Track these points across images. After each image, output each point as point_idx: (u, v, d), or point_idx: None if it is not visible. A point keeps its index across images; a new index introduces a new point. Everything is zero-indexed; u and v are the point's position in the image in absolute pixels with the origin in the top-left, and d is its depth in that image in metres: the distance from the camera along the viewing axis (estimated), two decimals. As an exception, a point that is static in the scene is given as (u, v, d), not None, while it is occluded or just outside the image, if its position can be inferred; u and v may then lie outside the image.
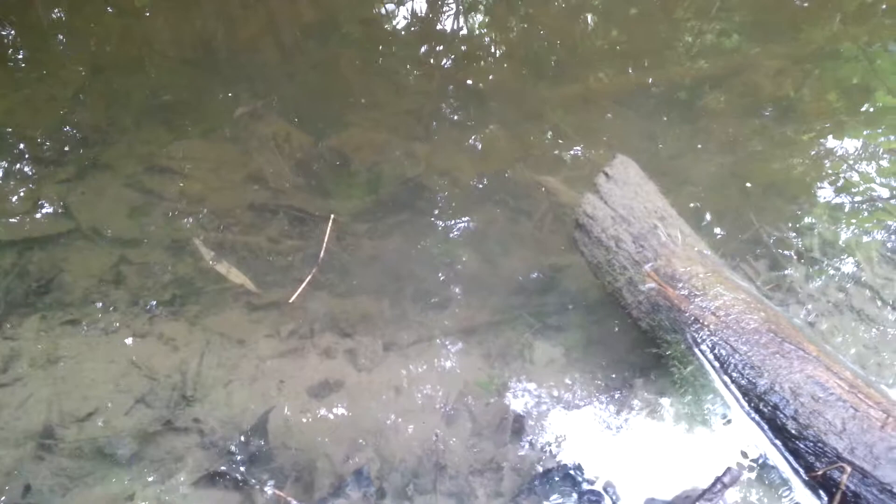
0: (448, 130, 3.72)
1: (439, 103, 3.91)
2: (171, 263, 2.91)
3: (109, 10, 4.41)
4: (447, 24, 4.54)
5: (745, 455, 2.11)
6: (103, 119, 3.53)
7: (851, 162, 3.41)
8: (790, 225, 3.01)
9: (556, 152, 3.59)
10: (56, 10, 4.36)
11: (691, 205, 3.12)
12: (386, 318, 2.78)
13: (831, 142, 3.58)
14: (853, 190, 3.25)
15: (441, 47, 4.33)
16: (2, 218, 2.98)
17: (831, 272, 2.74)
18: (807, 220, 3.03)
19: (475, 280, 2.92)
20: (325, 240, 3.01)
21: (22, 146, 3.36)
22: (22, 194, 3.09)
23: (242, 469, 2.22)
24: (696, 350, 2.13)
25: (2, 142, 3.36)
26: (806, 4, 4.45)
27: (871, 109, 3.79)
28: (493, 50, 4.42)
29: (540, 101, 3.87)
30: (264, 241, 3.08)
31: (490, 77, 4.08)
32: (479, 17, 4.72)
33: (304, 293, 2.85)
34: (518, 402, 2.41)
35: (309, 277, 2.87)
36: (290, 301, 2.78)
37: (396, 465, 2.25)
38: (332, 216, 3.11)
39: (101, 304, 2.71)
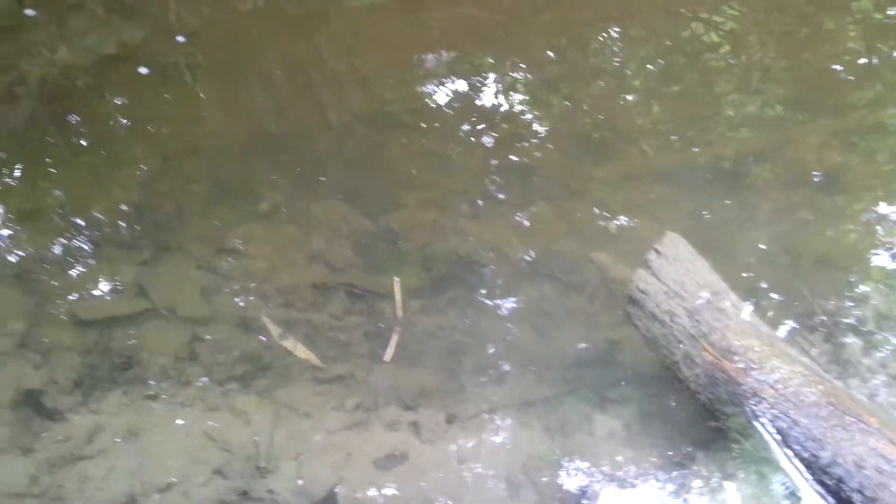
0: (495, 208, 3.86)
1: (486, 182, 4.07)
2: (241, 340, 3.07)
3: (167, 97, 4.70)
4: (491, 103, 4.74)
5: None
6: (172, 204, 3.76)
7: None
8: (844, 296, 3.06)
9: (603, 226, 3.70)
10: (117, 99, 4.68)
11: (743, 275, 3.19)
12: (445, 391, 2.87)
13: (883, 208, 3.62)
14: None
15: (485, 126, 4.52)
16: (85, 298, 3.18)
17: (888, 344, 2.78)
18: (860, 290, 3.07)
19: (530, 354, 3.01)
20: (398, 301, 3.16)
21: (99, 230, 3.59)
22: (102, 276, 3.30)
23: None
24: (757, 423, 2.19)
25: (82, 226, 3.60)
26: (851, 78, 4.56)
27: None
28: (536, 128, 4.60)
29: (584, 178, 4.00)
30: (326, 317, 3.22)
31: (535, 154, 4.23)
32: (521, 97, 4.90)
33: (367, 368, 2.97)
34: (581, 475, 2.47)
35: (397, 337, 3.04)
36: (387, 360, 2.95)
37: (464, 536, 2.31)
38: (397, 279, 3.25)
39: (177, 379, 2.86)
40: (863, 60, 4.81)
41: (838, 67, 4.68)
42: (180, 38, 4.97)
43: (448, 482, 2.50)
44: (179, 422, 2.70)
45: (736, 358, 2.30)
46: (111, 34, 5.04)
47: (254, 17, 5.19)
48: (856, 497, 1.97)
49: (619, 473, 2.48)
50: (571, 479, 2.47)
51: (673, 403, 2.63)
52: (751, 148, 4.12)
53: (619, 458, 2.52)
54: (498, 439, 2.63)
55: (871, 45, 4.86)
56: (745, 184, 3.84)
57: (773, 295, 3.14)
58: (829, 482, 2.03)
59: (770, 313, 3.01)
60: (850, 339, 2.81)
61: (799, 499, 2.16)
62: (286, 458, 2.58)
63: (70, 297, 3.19)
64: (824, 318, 2.92)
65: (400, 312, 3.15)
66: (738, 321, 2.40)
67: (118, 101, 4.65)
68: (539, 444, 2.60)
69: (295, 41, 5.01)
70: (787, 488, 2.20)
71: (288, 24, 5.13)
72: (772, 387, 2.21)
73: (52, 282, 3.27)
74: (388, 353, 2.99)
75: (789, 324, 2.94)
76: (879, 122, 4.28)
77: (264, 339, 3.07)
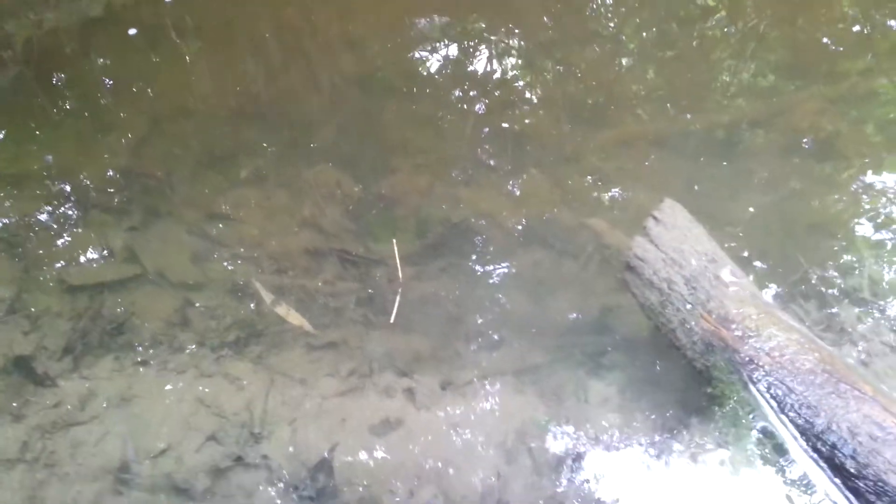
0: (489, 175, 3.83)
1: (479, 148, 4.04)
2: (233, 306, 3.04)
3: (156, 60, 4.61)
4: (485, 69, 4.68)
5: (806, 494, 2.16)
6: (162, 169, 3.70)
7: (892, 197, 3.47)
8: (837, 264, 3.07)
9: (597, 195, 3.69)
10: (104, 61, 4.59)
11: (734, 245, 3.20)
12: (440, 358, 2.87)
13: (870, 177, 3.63)
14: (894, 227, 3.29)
15: (478, 92, 4.47)
16: (74, 264, 3.13)
17: (882, 312, 2.79)
18: (853, 259, 3.08)
19: (525, 321, 3.01)
20: (398, 263, 3.17)
21: (88, 195, 3.54)
22: (91, 241, 3.25)
23: (310, 505, 2.31)
24: (753, 390, 2.19)
25: (71, 191, 3.54)
26: (841, 49, 4.55)
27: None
28: (529, 95, 4.55)
29: (578, 145, 3.98)
30: (319, 283, 3.20)
31: (529, 121, 4.20)
32: (515, 63, 4.84)
33: (360, 334, 2.95)
34: (576, 440, 2.48)
35: (398, 298, 3.05)
36: (391, 322, 2.96)
37: (459, 501, 2.32)
38: (394, 241, 3.25)
39: (169, 345, 2.84)
40: (856, 28, 4.78)
41: (832, 36, 4.66)
42: (169, 2, 4.87)
43: (443, 447, 2.50)
44: (172, 388, 2.68)
45: (733, 326, 2.30)
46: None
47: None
48: (849, 463, 1.99)
49: (613, 439, 2.49)
50: (565, 444, 2.48)
51: (668, 370, 2.63)
52: (744, 115, 4.11)
53: (613, 424, 2.53)
54: (492, 405, 2.63)
55: (865, 13, 4.83)
56: (739, 150, 3.83)
57: (767, 262, 3.14)
58: (823, 448, 2.04)
59: (764, 280, 3.02)
60: (845, 306, 2.82)
61: (793, 463, 2.18)
62: (280, 423, 2.57)
63: (59, 263, 3.14)
64: (819, 285, 2.93)
65: (401, 274, 3.14)
66: (736, 289, 2.39)
67: (105, 64, 4.56)
68: (533, 409, 2.61)
69: (286, 4, 4.91)
70: (781, 454, 2.21)
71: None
72: (768, 354, 2.21)
73: (41, 247, 3.22)
74: (393, 315, 2.99)
75: (784, 290, 2.94)
76: (871, 91, 4.28)
77: (257, 305, 3.04)
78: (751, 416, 2.23)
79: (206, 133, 3.95)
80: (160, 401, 2.64)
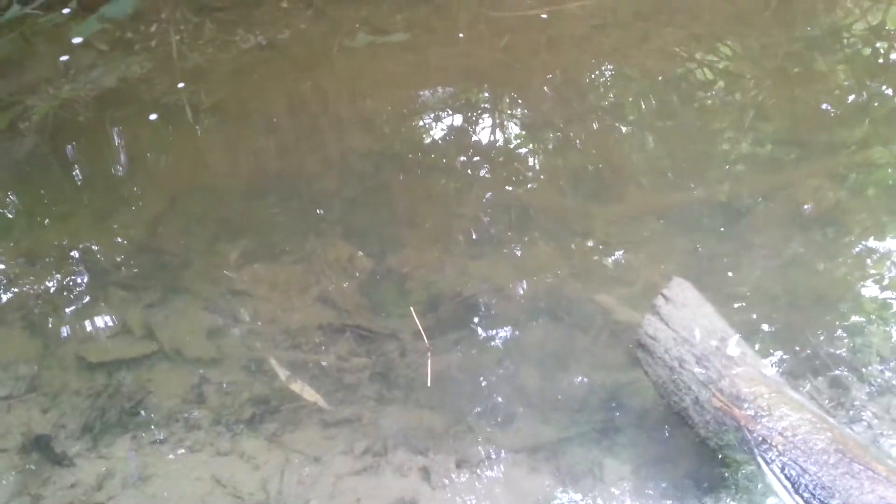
0: (496, 247, 3.90)
1: (486, 220, 4.12)
2: (248, 382, 3.08)
3: (170, 136, 4.74)
4: (489, 141, 4.81)
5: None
6: (180, 246, 3.79)
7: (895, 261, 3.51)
8: (844, 337, 3.10)
9: (603, 265, 3.74)
10: (117, 134, 4.73)
11: (738, 319, 3.23)
12: (453, 434, 2.89)
13: (873, 243, 3.68)
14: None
15: (484, 164, 4.59)
16: (92, 340, 3.19)
17: (891, 387, 2.82)
18: (860, 330, 3.11)
19: (537, 397, 3.03)
20: (420, 327, 3.27)
21: (105, 271, 3.61)
22: (109, 318, 3.32)
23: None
24: (767, 470, 2.22)
25: (87, 266, 3.62)
26: (838, 117, 4.66)
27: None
28: (534, 166, 4.66)
29: (582, 216, 4.03)
30: (334, 359, 3.24)
31: (533, 192, 4.29)
32: (519, 135, 4.97)
33: (375, 410, 2.98)
34: (592, 520, 2.49)
35: (430, 359, 3.14)
36: (429, 385, 3.04)
37: (476, 585, 2.31)
38: (412, 308, 3.35)
39: (185, 423, 2.87)
40: (852, 97, 4.93)
41: (829, 105, 4.79)
42: (182, 77, 5.04)
43: (459, 528, 2.50)
44: (188, 467, 2.70)
45: (745, 405, 2.33)
46: (114, 70, 5.12)
47: (256, 57, 5.27)
48: (867, 546, 2.00)
49: (630, 519, 2.50)
50: (581, 524, 2.49)
51: (682, 448, 2.65)
52: (745, 185, 4.19)
53: (629, 503, 2.54)
54: (508, 484, 2.65)
55: (860, 83, 4.99)
56: (742, 221, 3.89)
57: (773, 336, 3.18)
58: (840, 530, 2.05)
59: (772, 355, 3.06)
60: (854, 383, 2.85)
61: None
62: (296, 503, 2.58)
63: (78, 340, 3.20)
64: (827, 360, 2.96)
65: (426, 338, 3.23)
66: (747, 368, 2.43)
67: (120, 138, 4.70)
68: (548, 488, 2.62)
69: (297, 81, 5.09)
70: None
71: (290, 63, 5.21)
72: (781, 434, 2.24)
73: (60, 324, 3.28)
74: (429, 378, 3.06)
75: (792, 366, 2.98)
76: (869, 159, 4.37)
77: (271, 381, 3.08)
78: (765, 497, 2.25)
79: (221, 209, 4.05)
80: (176, 480, 2.65)
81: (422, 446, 2.81)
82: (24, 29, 5.52)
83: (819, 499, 2.11)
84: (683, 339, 2.55)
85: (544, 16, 5.54)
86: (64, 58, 5.22)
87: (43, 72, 5.14)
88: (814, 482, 2.14)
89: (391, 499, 2.61)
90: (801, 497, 2.14)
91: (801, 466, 2.17)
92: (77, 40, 5.34)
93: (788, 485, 2.17)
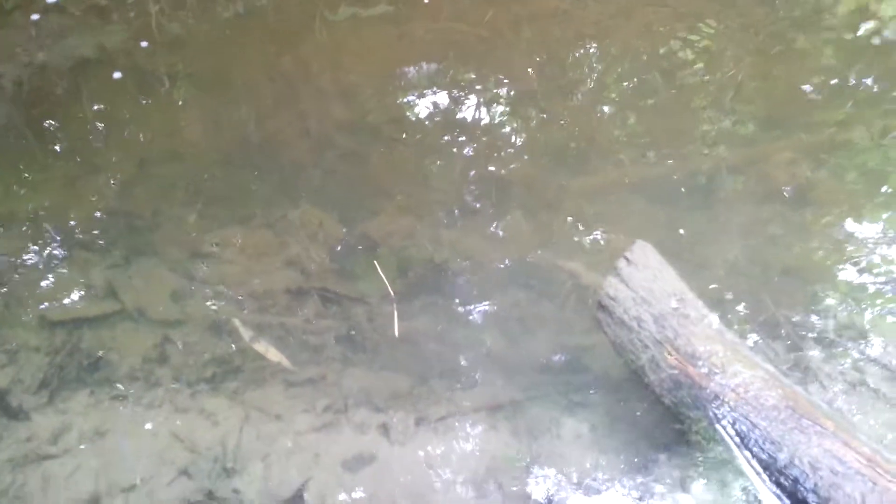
0: (472, 218, 3.90)
1: (463, 192, 4.11)
2: (212, 343, 3.07)
3: (144, 101, 4.70)
4: (471, 116, 4.79)
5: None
6: (148, 209, 3.76)
7: (871, 245, 3.53)
8: (808, 307, 3.12)
9: (577, 238, 3.75)
10: (94, 103, 4.69)
11: (712, 286, 3.24)
12: (415, 394, 2.89)
13: (848, 224, 3.69)
14: (875, 272, 3.34)
15: (463, 138, 4.57)
16: (55, 299, 3.17)
17: (848, 353, 2.83)
18: (824, 303, 3.14)
19: (501, 359, 3.04)
20: (385, 280, 3.31)
21: (73, 234, 3.59)
22: (72, 278, 3.29)
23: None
24: (718, 426, 2.22)
25: (54, 229, 3.60)
26: (819, 97, 4.65)
27: (890, 191, 3.89)
28: (514, 141, 4.65)
29: (559, 190, 4.06)
30: (300, 321, 3.23)
31: (512, 166, 4.28)
32: (500, 110, 4.96)
33: (339, 371, 2.98)
34: (548, 478, 2.49)
35: (396, 314, 3.17)
36: (397, 335, 3.06)
37: (429, 537, 2.32)
38: (376, 262, 3.36)
39: (145, 380, 2.85)
40: (834, 80, 4.92)
41: (809, 86, 4.78)
42: (160, 45, 4.99)
43: (416, 484, 2.51)
44: (147, 423, 2.69)
45: (700, 363, 2.34)
46: (89, 38, 5.06)
47: (236, 26, 5.21)
48: (811, 497, 2.01)
49: (585, 477, 2.50)
50: (538, 482, 2.49)
51: (638, 408, 2.66)
52: (724, 163, 4.19)
53: (586, 462, 2.55)
54: (466, 442, 2.65)
55: (841, 64, 4.97)
56: (718, 198, 3.91)
57: (740, 305, 3.19)
58: (786, 483, 2.06)
59: (736, 323, 3.07)
60: (812, 348, 2.86)
61: (758, 501, 2.19)
62: (253, 458, 2.58)
63: (40, 299, 3.17)
64: (787, 327, 2.97)
65: (391, 290, 3.26)
66: (703, 327, 2.44)
67: (96, 106, 4.66)
68: (506, 447, 2.62)
69: (277, 51, 5.04)
70: (746, 491, 2.23)
71: (270, 34, 5.16)
72: (733, 390, 2.25)
73: (24, 285, 3.25)
74: (396, 329, 3.09)
75: (754, 333, 2.99)
76: (848, 140, 4.37)
77: (235, 342, 3.07)
78: (717, 453, 2.25)
79: (194, 176, 4.02)
80: (134, 436, 2.64)
81: (383, 405, 2.81)
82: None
83: (768, 452, 2.12)
84: (642, 299, 2.55)
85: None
86: (38, 25, 5.15)
87: (17, 38, 5.08)
88: (763, 436, 2.15)
89: (350, 454, 2.62)
90: (751, 451, 2.15)
91: (751, 422, 2.18)
92: (52, 4, 5.26)
93: (738, 440, 2.18)
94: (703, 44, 5.22)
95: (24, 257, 3.45)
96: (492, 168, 4.24)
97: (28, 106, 4.55)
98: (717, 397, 2.26)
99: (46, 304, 3.15)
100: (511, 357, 3.04)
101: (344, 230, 3.75)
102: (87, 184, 3.98)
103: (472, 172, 4.24)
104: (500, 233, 3.81)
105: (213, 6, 5.37)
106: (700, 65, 5.03)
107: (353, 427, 2.72)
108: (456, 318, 3.26)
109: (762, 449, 2.12)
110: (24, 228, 3.67)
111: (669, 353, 2.39)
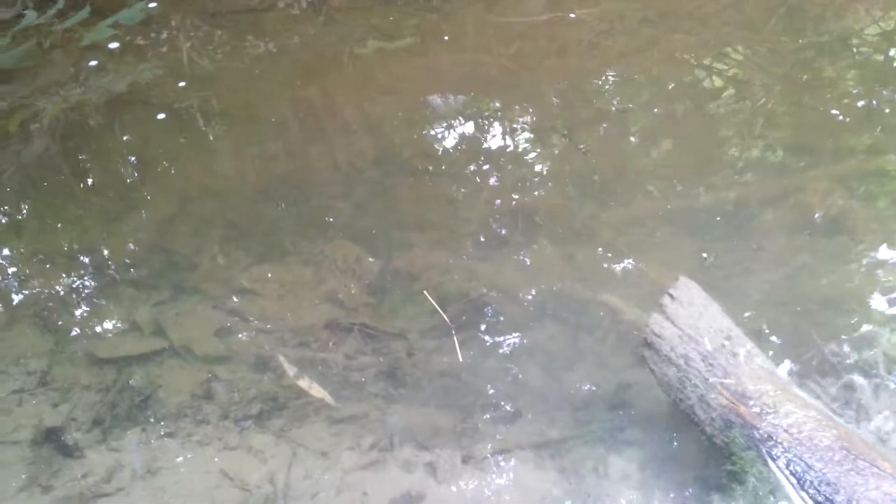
0: (503, 250, 3.93)
1: (493, 223, 4.15)
2: (256, 379, 3.11)
3: (182, 140, 4.79)
4: (498, 146, 4.83)
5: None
6: (190, 247, 3.83)
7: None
8: (851, 339, 3.10)
9: (609, 270, 3.76)
10: (127, 137, 4.78)
11: (746, 320, 3.24)
12: (460, 431, 2.90)
13: (884, 252, 3.68)
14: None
15: (492, 168, 4.60)
16: (102, 337, 3.23)
17: (897, 388, 2.82)
18: (867, 334, 3.12)
19: (543, 395, 3.05)
20: (439, 309, 3.37)
21: (118, 272, 3.66)
22: (119, 315, 3.35)
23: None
24: (772, 466, 2.22)
25: (97, 266, 3.67)
26: (848, 123, 4.65)
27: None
28: (541, 171, 4.68)
29: (589, 220, 4.06)
30: (341, 357, 3.26)
31: (541, 197, 4.31)
32: (527, 140, 4.99)
33: (381, 407, 3.00)
34: (597, 516, 2.49)
35: (455, 338, 3.24)
36: (461, 361, 3.11)
37: (481, 579, 2.32)
38: (426, 292, 3.41)
39: (193, 417, 2.89)
40: (861, 104, 4.92)
41: (838, 112, 4.79)
42: (192, 83, 5.10)
43: (464, 523, 2.51)
44: (197, 460, 2.72)
45: (751, 402, 2.34)
46: (125, 75, 5.18)
47: (266, 63, 5.32)
48: (872, 541, 2.00)
49: (634, 516, 2.50)
50: (587, 521, 2.49)
51: (687, 446, 2.66)
52: (754, 192, 4.20)
53: (634, 501, 2.54)
54: (513, 481, 2.66)
55: (869, 89, 4.98)
56: (750, 227, 3.90)
57: (780, 338, 3.19)
58: (845, 526, 2.05)
59: (779, 357, 3.06)
60: (860, 383, 2.85)
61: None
62: (304, 497, 2.60)
63: (89, 336, 3.23)
64: (833, 361, 2.97)
65: (447, 318, 3.34)
66: (752, 366, 2.44)
67: (130, 141, 4.76)
68: (553, 485, 2.62)
69: (306, 86, 5.14)
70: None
71: (300, 69, 5.26)
72: (786, 431, 2.25)
73: (71, 321, 3.32)
74: (459, 354, 3.15)
75: (799, 367, 2.98)
76: (879, 167, 4.36)
77: (279, 378, 3.11)
78: (771, 494, 2.25)
79: (230, 211, 4.09)
80: (185, 473, 2.67)
81: (427, 442, 2.82)
82: (40, 37, 5.60)
83: (824, 495, 2.12)
84: (689, 338, 2.56)
85: (551, 21, 5.58)
86: (76, 63, 5.29)
87: (55, 76, 5.21)
88: (819, 478, 2.14)
89: (397, 493, 2.63)
90: (807, 493, 2.15)
91: (806, 463, 2.18)
92: (89, 45, 5.41)
93: (794, 481, 2.18)
94: (731, 72, 5.26)
95: (71, 294, 3.51)
96: (520, 198, 4.28)
97: (64, 140, 4.65)
98: (769, 437, 2.26)
99: (95, 341, 3.21)
100: (552, 393, 3.05)
101: (378, 264, 3.79)
102: (125, 219, 4.06)
103: (502, 203, 4.27)
104: (532, 265, 3.84)
105: (242, 45, 5.49)
106: (729, 92, 5.06)
107: (400, 465, 2.73)
108: (494, 353, 3.28)
109: (818, 491, 2.12)
110: (63, 264, 3.75)
111: (720, 393, 2.40)
